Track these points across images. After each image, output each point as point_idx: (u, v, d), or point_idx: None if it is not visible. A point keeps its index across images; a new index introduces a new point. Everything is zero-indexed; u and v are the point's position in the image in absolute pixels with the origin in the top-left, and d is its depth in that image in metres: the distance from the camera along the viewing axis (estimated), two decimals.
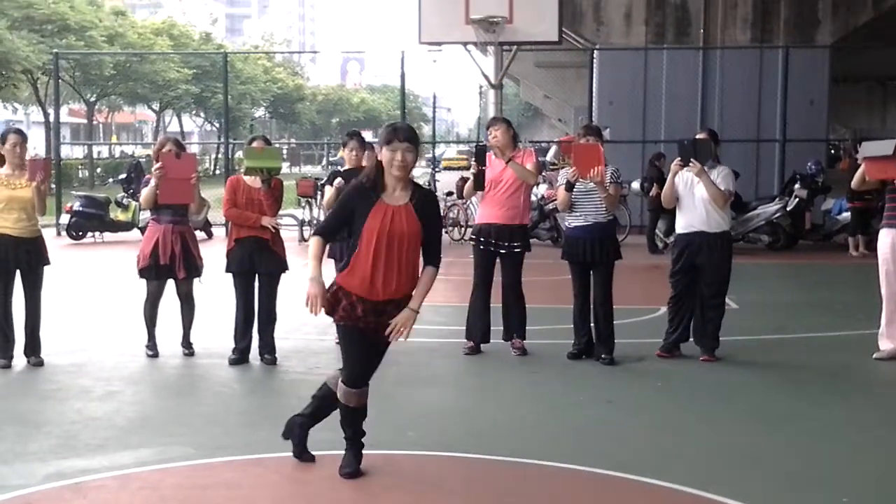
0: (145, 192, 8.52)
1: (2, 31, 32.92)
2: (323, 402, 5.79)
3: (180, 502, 5.30)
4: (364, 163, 9.00)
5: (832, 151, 39.68)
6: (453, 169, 42.80)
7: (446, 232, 19.47)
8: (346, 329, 5.50)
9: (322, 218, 18.98)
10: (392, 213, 5.29)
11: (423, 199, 5.43)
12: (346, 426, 5.61)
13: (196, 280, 8.78)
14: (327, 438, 6.35)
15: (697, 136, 8.76)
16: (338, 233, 5.58)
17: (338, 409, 5.63)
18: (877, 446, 6.35)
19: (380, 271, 5.29)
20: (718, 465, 5.93)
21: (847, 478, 5.72)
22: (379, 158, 5.34)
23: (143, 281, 8.76)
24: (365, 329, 5.42)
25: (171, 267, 8.58)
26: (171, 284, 8.74)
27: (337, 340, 9.31)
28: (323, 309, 5.38)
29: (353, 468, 5.55)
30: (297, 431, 5.82)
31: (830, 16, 21.25)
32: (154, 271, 8.63)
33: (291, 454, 5.82)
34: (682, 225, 8.66)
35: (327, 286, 5.43)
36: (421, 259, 5.44)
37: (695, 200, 8.50)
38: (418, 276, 5.43)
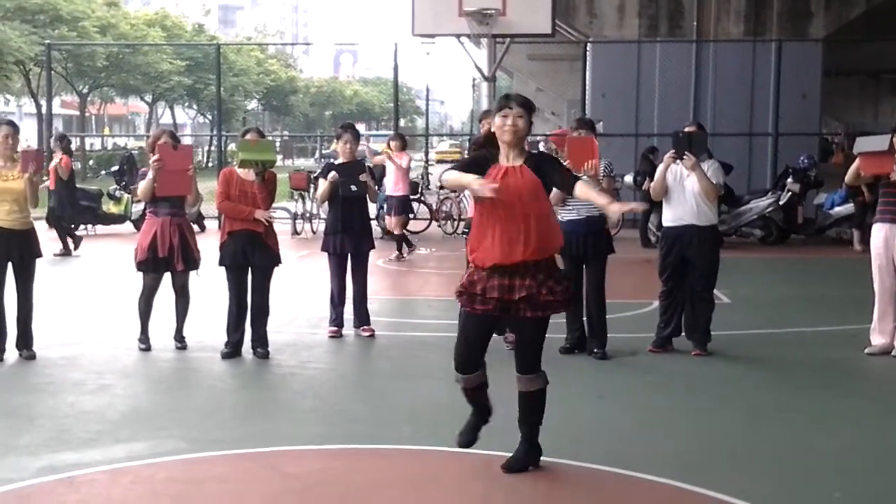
0: (143, 185, 8.50)
1: None
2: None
3: (173, 496, 5.30)
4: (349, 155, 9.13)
5: (830, 144, 39.75)
6: (447, 162, 42.75)
7: (439, 226, 19.47)
8: (468, 314, 5.47)
9: (315, 211, 19.05)
10: (506, 171, 5.31)
11: (539, 157, 5.54)
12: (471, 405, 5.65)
13: (193, 273, 8.78)
14: (321, 432, 6.37)
15: (686, 129, 8.75)
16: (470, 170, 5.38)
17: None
18: (868, 441, 6.36)
19: (497, 234, 5.26)
20: (710, 460, 5.94)
21: (839, 472, 5.73)
22: (492, 129, 5.44)
23: (139, 274, 8.75)
24: (494, 308, 5.34)
25: (168, 260, 8.57)
26: (165, 277, 8.73)
27: (330, 334, 9.36)
28: (460, 299, 5.43)
29: (467, 436, 5.65)
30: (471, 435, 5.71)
31: (823, 9, 21.25)
32: (152, 264, 8.62)
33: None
34: (671, 218, 8.66)
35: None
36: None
37: (685, 193, 8.49)
38: (553, 237, 5.41)
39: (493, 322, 5.49)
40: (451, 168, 5.49)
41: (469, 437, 5.63)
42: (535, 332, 5.51)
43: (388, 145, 16.54)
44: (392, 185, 16.04)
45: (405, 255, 15.76)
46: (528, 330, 5.48)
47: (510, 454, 5.69)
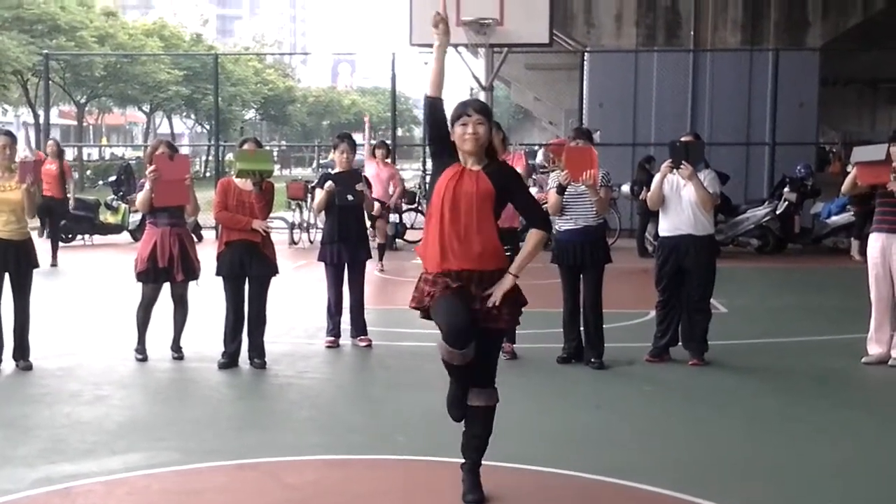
0: (141, 196, 8.51)
1: None
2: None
3: None
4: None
5: (827, 153, 39.74)
6: None
7: None
8: (441, 298, 5.04)
9: (312, 221, 19.03)
10: (463, 173, 5.11)
11: (508, 175, 5.26)
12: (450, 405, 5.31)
13: (193, 283, 8.77)
14: (318, 442, 6.36)
15: (683, 139, 8.76)
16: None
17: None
18: (866, 450, 6.36)
19: (446, 238, 5.04)
20: (707, 470, 5.93)
21: (836, 481, 5.73)
22: (452, 139, 5.16)
23: (137, 284, 8.74)
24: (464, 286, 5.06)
25: (168, 270, 8.57)
26: (164, 287, 8.72)
27: (326, 344, 9.35)
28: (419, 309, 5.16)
29: (476, 496, 5.31)
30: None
31: (820, 19, 21.29)
32: (152, 274, 8.61)
33: None
34: (668, 228, 8.66)
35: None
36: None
37: (682, 203, 8.50)
38: (496, 254, 5.15)
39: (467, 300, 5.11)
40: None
41: (462, 410, 5.32)
42: (492, 343, 5.27)
43: (373, 153, 16.52)
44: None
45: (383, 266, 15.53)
46: (485, 339, 5.15)
47: (505, 464, 5.68)
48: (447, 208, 5.04)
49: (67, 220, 17.92)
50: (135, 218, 18.10)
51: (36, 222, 13.84)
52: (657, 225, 8.98)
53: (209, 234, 17.92)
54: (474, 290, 5.07)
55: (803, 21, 21.31)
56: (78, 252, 18.12)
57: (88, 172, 42.66)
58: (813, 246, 18.49)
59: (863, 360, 8.76)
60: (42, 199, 9.47)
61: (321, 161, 38.94)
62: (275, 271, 8.66)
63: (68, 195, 16.47)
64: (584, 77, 21.34)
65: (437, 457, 5.91)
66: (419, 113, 72.02)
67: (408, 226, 19.46)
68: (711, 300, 8.93)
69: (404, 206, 19.03)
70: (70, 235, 19.14)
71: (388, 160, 16.67)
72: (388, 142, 18.38)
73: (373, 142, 18.50)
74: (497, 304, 5.05)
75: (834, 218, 18.21)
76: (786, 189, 17.87)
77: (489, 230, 5.11)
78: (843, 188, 9.18)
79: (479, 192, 5.06)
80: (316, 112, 73.31)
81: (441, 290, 5.03)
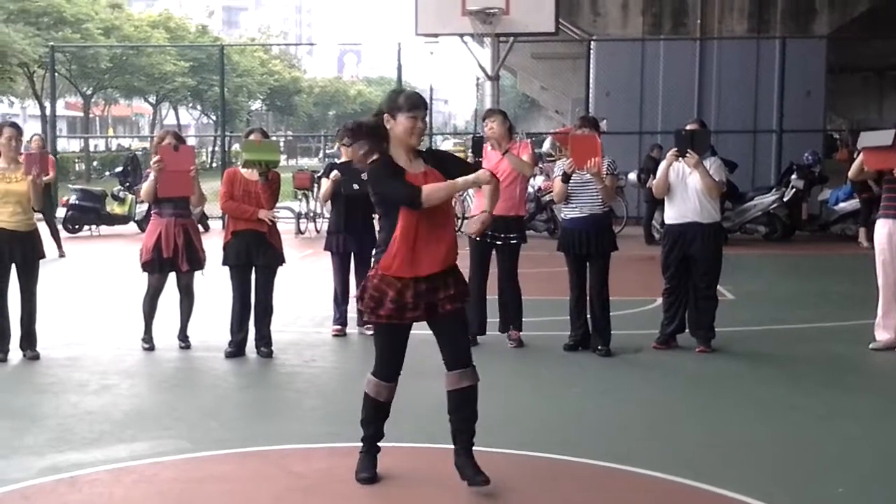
0: (145, 186, 8.51)
1: None
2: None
3: (176, 496, 5.29)
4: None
5: (835, 141, 39.65)
6: None
7: None
8: (387, 325, 5.23)
9: (319, 210, 19.03)
10: (426, 174, 5.11)
11: (433, 155, 5.35)
12: (370, 423, 5.42)
13: (198, 272, 8.78)
14: (325, 431, 6.37)
15: (688, 127, 8.73)
16: None
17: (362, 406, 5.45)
18: (873, 436, 6.35)
19: (425, 243, 5.08)
20: (715, 456, 5.92)
21: (843, 468, 5.71)
22: (388, 126, 5.13)
23: (144, 274, 8.76)
24: (413, 317, 5.20)
25: (174, 260, 8.58)
26: (170, 277, 8.73)
27: (333, 333, 9.35)
28: (365, 306, 5.19)
29: (370, 473, 5.39)
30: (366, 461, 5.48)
31: (827, 6, 21.24)
32: (157, 265, 8.62)
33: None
34: (674, 216, 8.65)
35: (361, 286, 5.27)
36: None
37: (688, 191, 8.49)
38: (456, 245, 5.25)
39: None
40: (387, 185, 5.11)
41: (374, 473, 5.41)
42: (461, 323, 5.37)
43: None
44: None
45: None
46: (453, 322, 5.27)
47: (512, 451, 5.68)
48: (423, 217, 5.05)
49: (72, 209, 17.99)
50: (141, 208, 18.10)
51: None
52: (664, 213, 8.96)
53: (216, 224, 17.95)
54: (441, 289, 5.17)
55: (810, 9, 21.25)
56: (85, 242, 18.15)
57: (95, 163, 42.74)
58: (820, 233, 18.47)
59: (870, 346, 8.75)
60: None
61: (327, 151, 38.94)
62: (281, 261, 8.66)
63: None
64: (591, 66, 21.29)
65: (442, 444, 5.90)
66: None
67: None
68: (718, 287, 8.92)
69: None
70: (77, 226, 19.19)
71: None
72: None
73: None
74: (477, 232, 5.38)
75: (841, 205, 18.17)
76: (793, 176, 17.83)
77: (451, 224, 5.28)
78: (850, 173, 9.17)
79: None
80: (322, 102, 73.38)
81: (398, 314, 5.14)
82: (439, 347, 5.35)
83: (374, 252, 5.26)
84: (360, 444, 5.47)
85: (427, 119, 5.22)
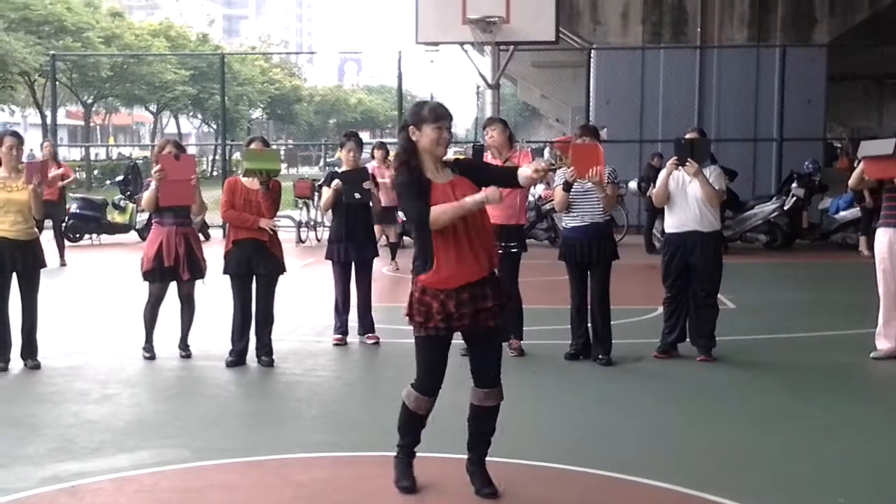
0: (147, 195, 8.52)
1: None
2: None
3: None
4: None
5: (835, 149, 39.67)
6: None
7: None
8: (433, 338, 5.21)
9: (319, 219, 19.02)
10: (452, 189, 5.12)
11: (462, 164, 5.36)
12: (407, 434, 5.45)
13: (199, 281, 8.78)
14: (326, 440, 6.36)
15: (688, 136, 8.74)
16: None
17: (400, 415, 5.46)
18: (874, 446, 6.34)
19: (466, 252, 5.09)
20: (716, 466, 5.92)
21: (844, 478, 5.71)
22: (413, 139, 5.14)
23: (145, 283, 8.76)
24: (460, 326, 5.17)
25: (175, 269, 8.58)
26: (171, 286, 8.73)
27: (334, 342, 9.35)
28: (414, 322, 5.19)
29: (410, 482, 5.39)
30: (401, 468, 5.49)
31: (827, 14, 21.27)
32: (158, 274, 8.62)
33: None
34: (674, 224, 8.65)
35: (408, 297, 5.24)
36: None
37: (688, 200, 8.49)
38: (495, 249, 5.30)
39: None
40: (406, 202, 5.15)
41: (413, 481, 5.41)
42: (498, 342, 5.41)
43: (372, 154, 15.96)
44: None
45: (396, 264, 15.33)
46: (491, 339, 5.30)
47: (513, 460, 5.67)
48: (460, 227, 5.06)
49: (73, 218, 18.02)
50: (142, 217, 18.11)
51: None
52: (665, 221, 8.97)
53: (217, 233, 17.95)
54: (482, 290, 5.15)
55: (810, 17, 21.28)
56: (85, 251, 18.17)
57: (96, 172, 42.76)
58: (821, 241, 18.48)
59: (871, 354, 8.75)
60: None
61: (328, 159, 38.98)
62: (282, 270, 8.66)
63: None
64: (591, 74, 21.33)
65: (444, 453, 5.90)
66: None
67: None
68: (719, 296, 8.93)
69: None
70: (77, 235, 19.19)
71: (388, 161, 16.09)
72: (392, 141, 18.16)
73: None
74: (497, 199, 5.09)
75: (842, 213, 18.18)
76: (794, 184, 17.85)
77: (488, 229, 5.27)
78: (851, 182, 9.17)
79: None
80: (322, 111, 73.48)
81: (445, 324, 5.11)
82: (470, 359, 5.37)
83: (412, 264, 5.24)
84: (395, 451, 5.49)
85: (452, 129, 5.24)
